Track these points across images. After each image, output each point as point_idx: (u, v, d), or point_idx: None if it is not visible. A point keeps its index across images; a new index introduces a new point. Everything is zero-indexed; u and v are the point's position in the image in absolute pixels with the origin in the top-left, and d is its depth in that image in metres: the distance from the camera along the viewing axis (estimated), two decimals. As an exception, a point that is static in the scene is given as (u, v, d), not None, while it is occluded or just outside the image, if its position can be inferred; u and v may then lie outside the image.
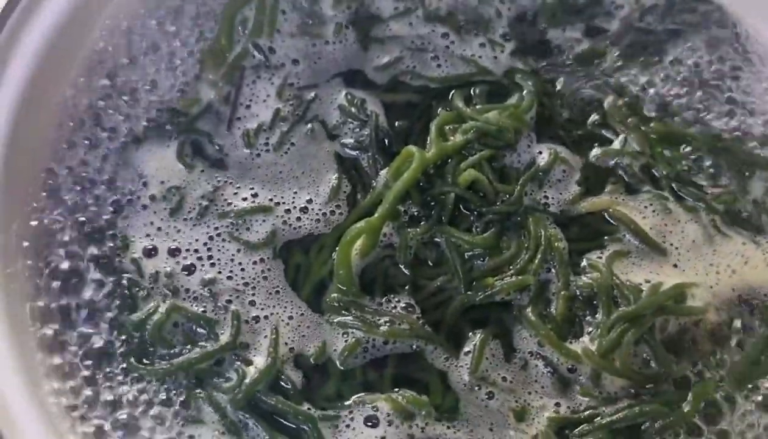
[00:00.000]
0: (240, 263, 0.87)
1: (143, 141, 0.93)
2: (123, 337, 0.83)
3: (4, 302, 0.82)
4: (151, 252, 0.87)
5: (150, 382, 0.82)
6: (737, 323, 0.85)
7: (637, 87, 0.97)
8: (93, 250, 0.87)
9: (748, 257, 0.88)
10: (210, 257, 0.87)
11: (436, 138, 0.90)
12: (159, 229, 0.88)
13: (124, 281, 0.86)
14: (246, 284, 0.86)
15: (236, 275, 0.86)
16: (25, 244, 0.86)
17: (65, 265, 0.86)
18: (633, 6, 1.02)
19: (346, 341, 0.83)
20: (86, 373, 0.82)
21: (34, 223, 0.87)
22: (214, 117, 0.95)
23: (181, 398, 0.81)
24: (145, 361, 0.82)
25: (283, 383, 0.82)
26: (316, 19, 0.99)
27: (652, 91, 0.97)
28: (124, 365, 0.82)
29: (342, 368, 0.83)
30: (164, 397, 0.81)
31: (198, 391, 0.81)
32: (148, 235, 0.88)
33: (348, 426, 0.80)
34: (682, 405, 0.81)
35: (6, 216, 0.85)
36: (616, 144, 0.93)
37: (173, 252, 0.87)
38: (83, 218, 0.88)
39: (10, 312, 0.81)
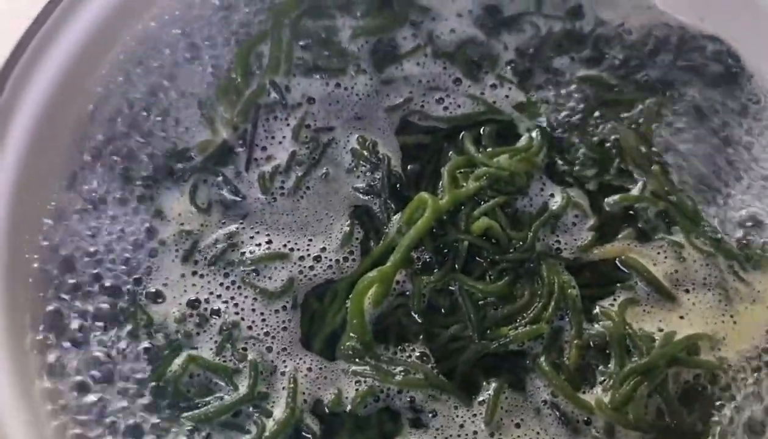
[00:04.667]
0: (255, 310, 0.87)
1: (156, 183, 0.93)
2: (138, 391, 0.84)
3: (7, 345, 0.82)
4: (163, 297, 0.88)
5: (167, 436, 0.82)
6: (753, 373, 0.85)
7: (651, 123, 0.96)
8: (105, 296, 0.88)
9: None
10: (226, 304, 0.88)
11: (448, 185, 0.90)
12: (172, 273, 0.89)
13: (137, 329, 0.86)
14: (266, 334, 0.86)
15: (252, 322, 0.87)
16: (37, 294, 0.87)
17: (75, 317, 0.86)
18: (642, 35, 1.01)
19: (357, 389, 0.84)
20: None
21: (35, 265, 0.88)
22: (230, 157, 0.95)
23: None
24: (165, 413, 0.83)
25: (305, 433, 0.83)
26: (332, 56, 0.99)
27: (664, 127, 0.96)
28: (140, 420, 0.83)
29: (353, 414, 0.83)
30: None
31: (220, 445, 0.82)
32: (160, 280, 0.88)
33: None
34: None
35: (12, 258, 0.86)
36: (635, 191, 0.92)
37: (188, 299, 0.88)
38: (95, 264, 0.89)
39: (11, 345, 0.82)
